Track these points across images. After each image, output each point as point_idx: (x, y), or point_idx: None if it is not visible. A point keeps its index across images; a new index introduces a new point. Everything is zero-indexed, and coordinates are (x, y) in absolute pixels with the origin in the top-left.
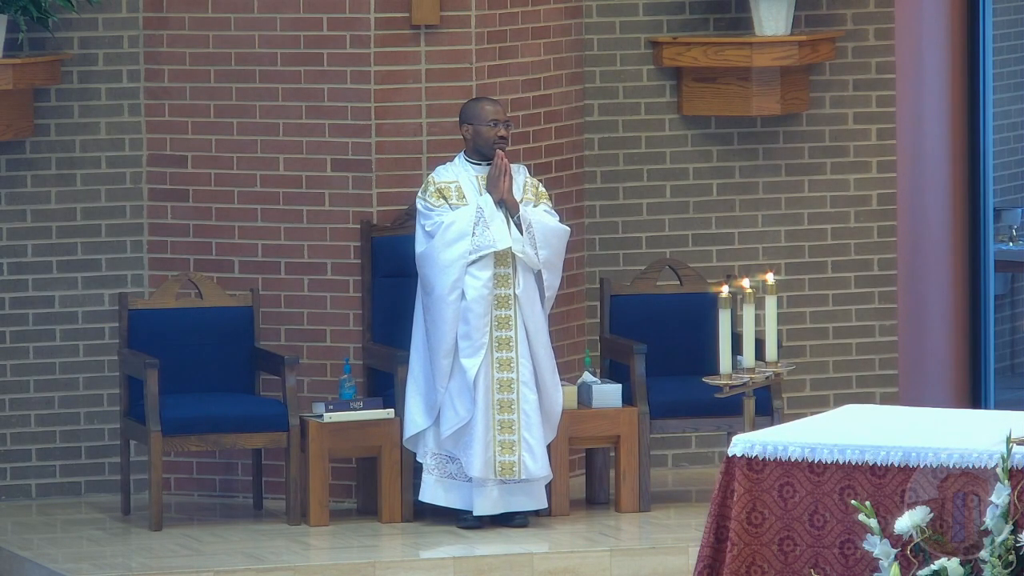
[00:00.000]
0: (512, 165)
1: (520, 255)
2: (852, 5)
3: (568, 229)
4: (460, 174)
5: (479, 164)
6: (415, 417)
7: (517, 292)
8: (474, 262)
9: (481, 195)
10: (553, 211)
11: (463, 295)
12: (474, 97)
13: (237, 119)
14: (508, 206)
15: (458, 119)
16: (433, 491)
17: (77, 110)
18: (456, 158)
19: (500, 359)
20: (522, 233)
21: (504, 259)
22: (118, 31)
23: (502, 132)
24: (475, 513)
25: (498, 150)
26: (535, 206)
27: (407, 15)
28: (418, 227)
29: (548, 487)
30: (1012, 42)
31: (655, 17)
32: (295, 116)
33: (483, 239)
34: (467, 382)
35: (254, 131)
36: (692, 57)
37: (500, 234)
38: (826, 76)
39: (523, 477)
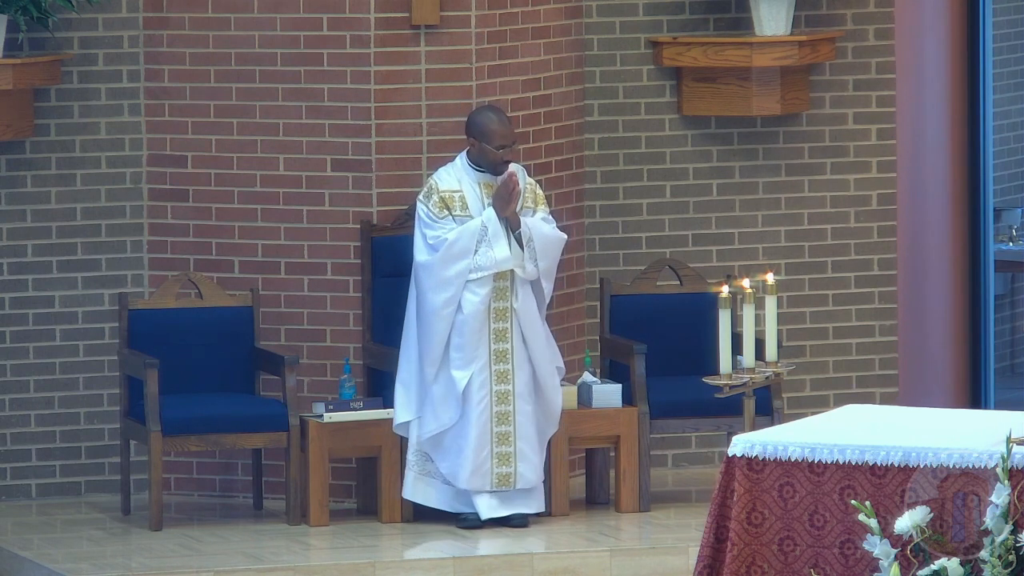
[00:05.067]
0: (512, 165)
1: (520, 272)
2: (852, 5)
3: (565, 236)
4: (463, 179)
5: (482, 171)
6: (399, 409)
7: (515, 305)
8: (474, 280)
9: (484, 206)
10: (550, 216)
11: (459, 308)
12: (484, 106)
13: (237, 119)
14: (510, 221)
15: (465, 125)
16: (414, 489)
17: (77, 110)
18: (458, 159)
19: (497, 371)
20: (523, 249)
21: (503, 272)
22: (118, 31)
23: (508, 157)
24: (482, 517)
25: (512, 173)
26: (533, 213)
27: (407, 15)
28: (418, 233)
29: (546, 488)
30: (1012, 42)
31: (655, 17)
32: (295, 116)
33: (485, 259)
34: (455, 392)
35: (254, 131)
36: (692, 57)
37: (502, 254)
38: (826, 76)
39: (519, 487)
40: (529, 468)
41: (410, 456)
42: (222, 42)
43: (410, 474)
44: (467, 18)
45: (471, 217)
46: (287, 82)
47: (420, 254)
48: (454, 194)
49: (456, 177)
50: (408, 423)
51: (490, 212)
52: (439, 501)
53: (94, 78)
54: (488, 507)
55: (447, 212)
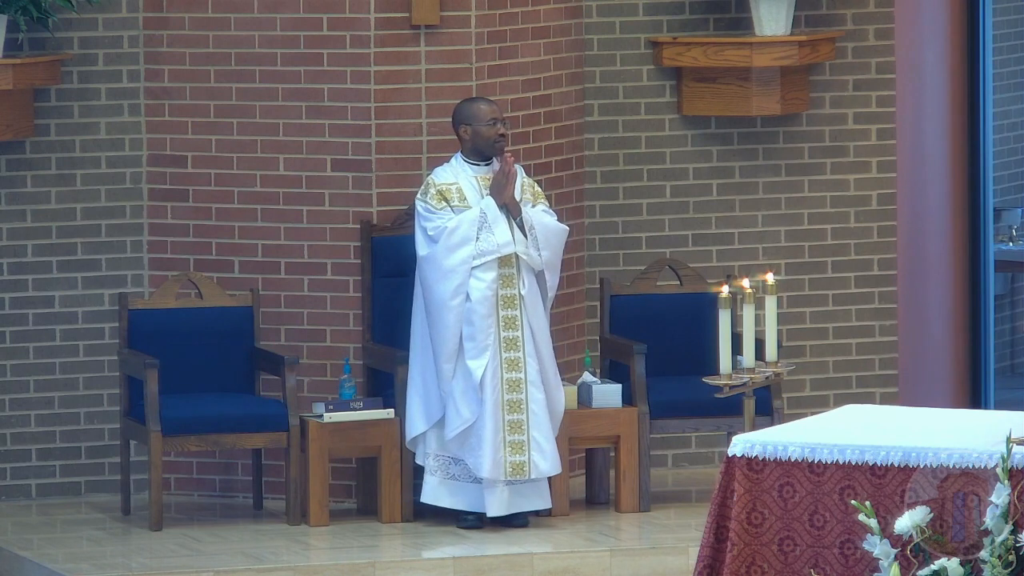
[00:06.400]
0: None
1: (524, 257)
2: (852, 5)
3: (567, 228)
4: (459, 175)
5: (477, 164)
6: (414, 420)
7: (522, 292)
8: (478, 266)
9: (482, 197)
10: (551, 210)
11: (467, 297)
12: (467, 98)
13: (237, 119)
14: (510, 208)
15: (451, 121)
16: (436, 493)
17: (77, 110)
18: (453, 159)
19: (508, 359)
20: (525, 236)
21: (508, 259)
22: (118, 31)
23: (502, 131)
24: (488, 515)
25: (507, 155)
26: (533, 206)
27: (407, 15)
28: (418, 229)
29: (550, 486)
30: (1012, 42)
31: (655, 17)
32: (295, 116)
33: (487, 244)
34: (473, 384)
35: (254, 131)
36: (692, 57)
37: (504, 238)
38: (826, 76)
39: (533, 476)
40: (543, 458)
41: (430, 462)
42: (222, 42)
43: (432, 479)
44: (467, 18)
45: (469, 208)
46: (287, 82)
47: (421, 248)
48: (451, 186)
49: (453, 173)
50: (424, 434)
51: (488, 200)
52: (468, 503)
53: (94, 78)
54: (498, 504)
55: (445, 203)
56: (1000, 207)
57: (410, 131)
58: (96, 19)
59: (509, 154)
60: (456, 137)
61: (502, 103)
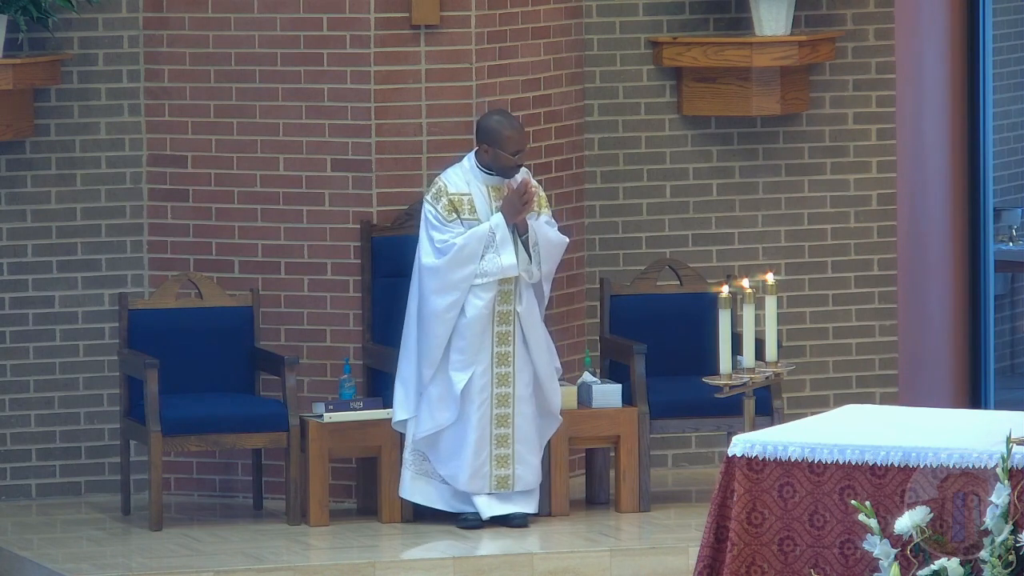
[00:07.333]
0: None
1: (525, 276)
2: (852, 5)
3: (567, 240)
4: (471, 182)
5: (491, 174)
6: (397, 407)
7: (518, 309)
8: (478, 284)
9: (492, 209)
10: (552, 219)
11: (462, 312)
12: (495, 111)
13: (237, 119)
14: (517, 226)
15: (476, 130)
16: (411, 488)
17: (77, 110)
18: (465, 160)
19: (499, 374)
20: (529, 255)
21: (507, 277)
22: (118, 31)
23: (521, 161)
24: (483, 516)
25: (529, 181)
26: (537, 216)
27: (407, 15)
28: (424, 235)
29: (546, 488)
30: (1012, 42)
31: (655, 17)
32: (295, 116)
33: (491, 265)
34: (453, 393)
35: (254, 131)
36: (692, 57)
37: (509, 261)
38: (826, 76)
39: (518, 489)
40: (527, 470)
41: (407, 455)
42: (222, 42)
43: (407, 473)
44: (467, 18)
45: (479, 221)
46: (287, 82)
47: (427, 257)
48: (463, 197)
49: (464, 179)
50: (406, 420)
51: (498, 218)
52: (438, 500)
53: (94, 78)
54: (488, 506)
55: (456, 216)
56: (1000, 207)
57: (410, 131)
58: (96, 19)
59: (530, 179)
60: (463, 137)
61: (502, 103)
